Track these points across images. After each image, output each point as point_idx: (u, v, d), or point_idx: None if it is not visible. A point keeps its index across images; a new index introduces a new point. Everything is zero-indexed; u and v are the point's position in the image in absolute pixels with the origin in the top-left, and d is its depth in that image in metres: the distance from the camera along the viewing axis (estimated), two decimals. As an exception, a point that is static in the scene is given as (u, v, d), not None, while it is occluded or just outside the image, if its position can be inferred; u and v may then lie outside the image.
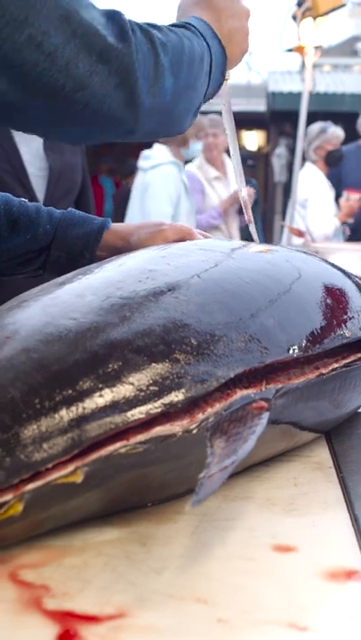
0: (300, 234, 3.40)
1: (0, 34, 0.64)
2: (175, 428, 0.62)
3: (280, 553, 0.60)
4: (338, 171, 4.12)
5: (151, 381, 0.61)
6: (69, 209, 1.08)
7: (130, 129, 0.74)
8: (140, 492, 0.66)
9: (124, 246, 1.01)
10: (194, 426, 0.62)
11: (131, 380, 0.60)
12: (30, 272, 1.07)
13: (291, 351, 0.72)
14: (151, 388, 0.61)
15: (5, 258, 1.03)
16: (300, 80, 3.94)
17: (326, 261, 0.96)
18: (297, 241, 3.50)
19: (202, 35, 0.84)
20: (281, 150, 8.14)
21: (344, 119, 4.82)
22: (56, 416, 0.57)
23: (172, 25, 0.82)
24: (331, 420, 0.86)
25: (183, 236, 1.02)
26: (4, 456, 0.54)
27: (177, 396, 0.62)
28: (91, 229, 1.04)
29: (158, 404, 0.61)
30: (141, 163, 3.20)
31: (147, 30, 0.75)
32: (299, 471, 0.78)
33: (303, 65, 3.50)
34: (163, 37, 0.76)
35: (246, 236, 1.18)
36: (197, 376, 0.63)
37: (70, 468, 0.57)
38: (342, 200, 4.12)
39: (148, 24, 0.77)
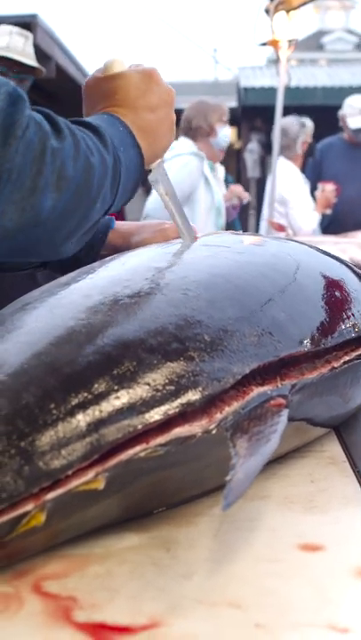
0: (280, 228, 3.41)
1: None
2: (194, 428, 0.60)
3: (308, 552, 0.59)
4: (319, 163, 4.13)
5: (167, 381, 0.59)
6: None
7: None
8: (159, 495, 0.64)
9: (125, 246, 0.99)
10: (213, 426, 0.61)
11: (146, 380, 0.59)
12: (34, 269, 1.04)
13: (303, 344, 0.71)
14: (168, 387, 0.59)
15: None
16: (275, 75, 3.95)
17: (325, 252, 0.95)
18: (277, 235, 3.51)
19: (114, 147, 0.72)
20: (253, 146, 8.15)
21: (316, 112, 4.83)
22: (73, 421, 0.55)
23: (81, 125, 0.69)
24: (342, 415, 0.85)
25: None
26: (23, 464, 0.52)
27: (194, 395, 0.60)
28: (96, 230, 1.02)
29: (176, 403, 0.59)
30: None
31: (41, 132, 0.64)
32: (313, 467, 0.77)
33: (278, 59, 3.49)
34: (57, 145, 0.65)
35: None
36: (213, 373, 0.62)
37: (90, 474, 0.55)
38: (318, 192, 4.13)
39: (52, 121, 0.65)
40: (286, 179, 3.92)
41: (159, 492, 0.64)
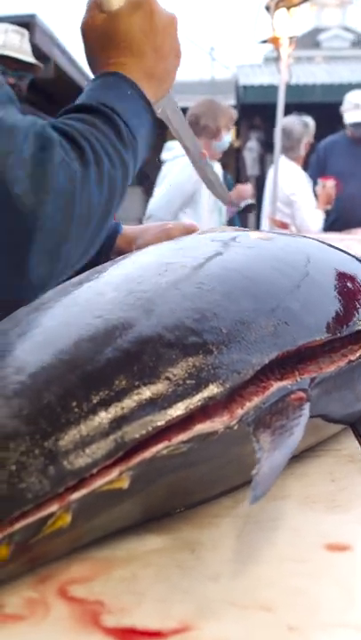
0: (283, 225, 3.40)
1: None
2: (216, 424, 0.59)
3: (334, 552, 0.58)
4: (323, 161, 4.13)
5: (187, 375, 0.59)
6: None
7: (17, 299, 0.66)
8: (179, 496, 0.63)
9: (130, 249, 0.99)
10: (235, 421, 0.60)
11: (167, 375, 0.58)
12: None
13: (320, 332, 0.71)
14: (188, 381, 0.58)
15: None
16: (273, 72, 3.93)
17: (334, 247, 0.95)
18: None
19: (129, 131, 0.71)
20: (252, 144, 8.15)
21: (316, 110, 4.83)
22: (96, 419, 0.54)
23: (95, 116, 0.69)
24: (358, 411, 0.84)
25: (191, 232, 1.00)
26: (47, 464, 0.51)
27: (216, 388, 0.59)
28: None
29: (198, 397, 0.58)
30: (164, 154, 3.13)
31: (69, 168, 0.65)
32: (331, 465, 0.76)
33: (278, 56, 3.48)
34: (84, 173, 0.66)
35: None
36: (233, 365, 0.61)
37: (114, 472, 0.54)
38: (318, 188, 4.13)
39: (75, 141, 0.66)
40: (291, 179, 3.92)
41: (179, 492, 0.63)
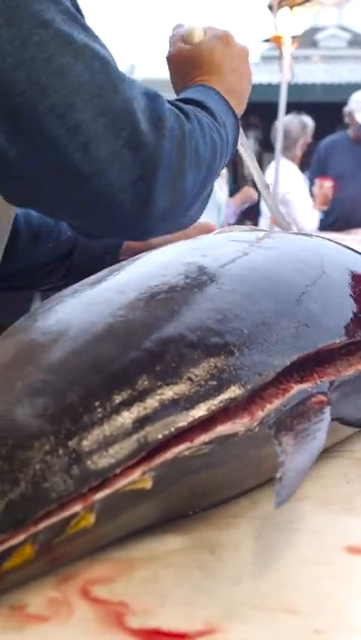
0: (284, 226, 3.39)
1: (21, 96, 0.59)
2: (237, 426, 0.59)
3: (356, 555, 0.58)
4: (323, 161, 4.12)
5: (209, 376, 0.58)
6: None
7: (140, 230, 0.70)
8: (199, 496, 0.63)
9: (144, 248, 0.97)
10: (255, 424, 0.60)
11: (189, 375, 0.58)
12: (55, 282, 1.04)
13: (339, 335, 0.71)
14: (210, 382, 0.58)
15: (31, 270, 1.00)
16: (271, 71, 3.93)
17: (346, 246, 0.95)
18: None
19: (220, 116, 0.78)
20: (250, 143, 8.14)
21: (315, 109, 4.83)
22: (119, 418, 0.54)
23: (196, 105, 0.76)
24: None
25: (205, 232, 0.99)
26: (71, 464, 0.51)
27: (238, 389, 0.59)
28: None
29: (220, 398, 0.58)
30: None
31: (178, 118, 0.69)
32: (347, 467, 0.76)
33: (281, 55, 3.48)
34: (190, 127, 0.71)
35: None
36: (254, 366, 0.61)
37: (137, 473, 0.53)
38: (316, 188, 4.12)
39: (179, 107, 0.71)
40: (287, 179, 3.92)
41: (199, 493, 0.62)
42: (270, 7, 3.33)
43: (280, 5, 3.24)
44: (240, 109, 0.86)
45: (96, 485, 0.52)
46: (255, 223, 4.30)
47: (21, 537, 0.48)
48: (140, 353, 0.57)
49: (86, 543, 0.54)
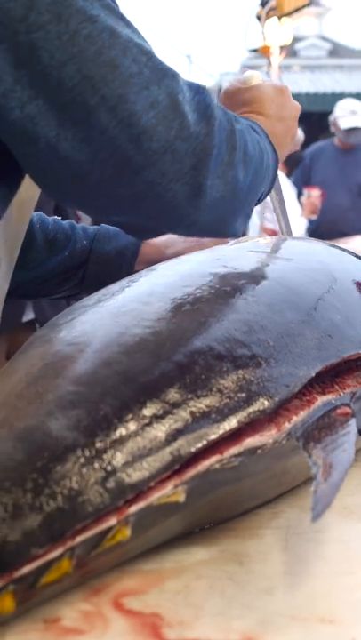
0: (273, 233, 3.42)
1: (72, 90, 0.59)
2: (265, 438, 0.59)
3: (383, 564, 0.58)
4: (308, 168, 4.14)
5: (238, 388, 0.59)
6: (101, 224, 1.04)
7: (191, 222, 0.68)
8: (224, 508, 0.63)
9: (159, 258, 0.97)
10: (283, 435, 0.60)
11: (218, 387, 0.58)
12: (68, 291, 1.03)
13: None
14: (239, 394, 0.58)
15: (45, 278, 0.99)
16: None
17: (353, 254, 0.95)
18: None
19: (264, 143, 0.78)
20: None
21: (301, 119, 4.85)
22: (151, 431, 0.54)
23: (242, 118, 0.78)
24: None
25: (220, 243, 0.98)
26: (106, 477, 0.51)
27: (266, 402, 0.59)
28: (128, 242, 1.01)
29: (249, 410, 0.58)
30: None
31: (226, 114, 0.70)
32: (361, 476, 0.76)
33: (269, 64, 3.51)
34: (238, 126, 0.71)
35: None
36: (281, 378, 0.61)
37: (170, 486, 0.54)
38: (304, 198, 4.15)
39: (224, 110, 0.71)
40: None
41: (224, 505, 0.63)
42: (258, 17, 3.36)
43: (268, 15, 3.27)
44: (279, 157, 0.85)
45: (131, 499, 0.51)
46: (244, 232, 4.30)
47: (59, 551, 0.48)
48: (171, 365, 0.58)
49: (118, 556, 0.54)
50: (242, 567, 0.57)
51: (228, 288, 0.67)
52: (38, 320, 2.10)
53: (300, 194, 4.10)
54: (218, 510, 0.62)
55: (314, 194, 4.14)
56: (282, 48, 3.42)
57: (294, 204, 4.00)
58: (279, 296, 0.68)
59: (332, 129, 4.16)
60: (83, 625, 0.50)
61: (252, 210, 0.78)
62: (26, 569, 0.47)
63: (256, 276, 0.71)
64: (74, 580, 0.52)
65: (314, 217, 4.10)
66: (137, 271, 0.92)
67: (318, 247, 0.90)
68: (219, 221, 0.72)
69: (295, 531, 0.63)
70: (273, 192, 0.93)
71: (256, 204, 0.80)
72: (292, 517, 0.66)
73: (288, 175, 4.09)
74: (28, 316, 2.11)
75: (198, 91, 0.67)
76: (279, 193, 0.96)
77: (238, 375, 0.59)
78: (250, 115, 0.84)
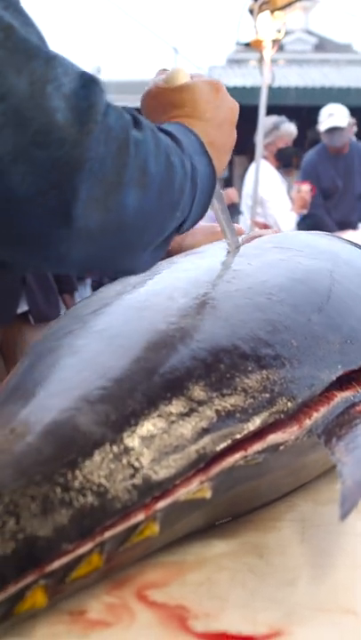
0: (265, 227, 3.43)
1: None
2: (286, 435, 0.60)
3: None
4: (315, 176, 4.18)
5: (262, 388, 0.59)
6: None
7: (60, 256, 0.53)
8: (242, 503, 0.64)
9: (177, 249, 0.92)
10: (304, 432, 0.61)
11: (243, 386, 0.58)
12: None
13: None
14: (263, 394, 0.59)
15: None
16: (245, 74, 3.94)
17: None
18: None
19: (189, 154, 0.65)
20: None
21: (290, 112, 4.86)
22: (178, 429, 0.54)
23: (161, 130, 0.63)
24: None
25: (210, 238, 0.94)
26: (133, 474, 0.51)
27: (289, 402, 0.60)
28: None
29: (272, 410, 0.59)
30: None
31: (121, 119, 0.55)
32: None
33: (261, 58, 3.50)
34: (140, 137, 0.57)
35: None
36: (304, 379, 0.61)
37: (195, 483, 0.54)
38: (294, 192, 4.16)
39: (131, 114, 0.58)
40: (263, 179, 3.94)
41: (243, 500, 0.63)
42: (251, 11, 3.36)
43: (261, 9, 3.26)
44: (219, 167, 0.72)
45: (158, 495, 0.52)
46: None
47: (88, 546, 0.49)
48: (196, 362, 0.58)
49: (143, 550, 0.55)
50: (262, 559, 0.58)
51: (253, 286, 0.68)
52: (32, 312, 2.10)
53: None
54: (237, 505, 0.63)
55: (304, 188, 4.15)
56: (274, 42, 3.42)
57: (286, 199, 4.02)
58: (304, 297, 0.68)
59: (323, 139, 4.22)
60: (108, 617, 0.51)
61: (165, 242, 0.63)
62: (56, 564, 0.47)
63: (280, 275, 0.71)
64: (100, 574, 0.52)
65: (304, 211, 4.12)
66: None
67: (339, 245, 0.88)
68: (103, 259, 0.58)
69: (311, 523, 0.64)
70: (214, 200, 0.78)
71: (179, 232, 0.65)
72: (306, 510, 0.67)
73: (278, 168, 4.09)
74: (22, 307, 2.11)
75: (87, 84, 0.52)
76: (221, 202, 0.82)
77: (262, 375, 0.59)
78: (182, 119, 0.70)
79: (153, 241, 0.61)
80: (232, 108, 0.75)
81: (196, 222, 0.68)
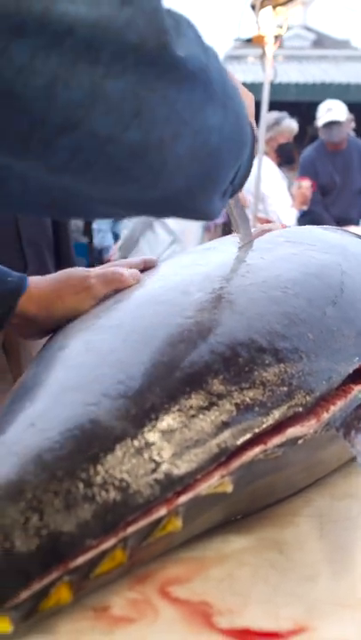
0: (267, 222, 3.42)
1: None
2: (305, 429, 0.60)
3: None
4: (314, 173, 4.18)
5: (280, 381, 0.59)
6: None
7: (147, 182, 0.48)
8: (259, 498, 0.63)
9: (43, 316, 0.78)
10: (323, 425, 0.61)
11: (261, 380, 0.58)
12: None
13: None
14: (281, 388, 0.58)
15: None
16: (244, 70, 3.94)
17: None
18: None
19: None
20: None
21: (290, 108, 4.86)
22: (198, 423, 0.54)
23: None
24: None
25: (115, 286, 0.76)
26: (155, 468, 0.51)
27: (307, 396, 0.59)
28: (3, 291, 0.77)
29: (290, 404, 0.58)
30: None
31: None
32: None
33: (263, 54, 3.50)
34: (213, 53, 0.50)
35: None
36: (321, 373, 0.61)
37: (216, 477, 0.54)
38: (294, 188, 4.16)
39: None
40: (264, 175, 3.94)
41: (259, 495, 0.63)
42: (253, 6, 3.35)
43: (263, 5, 3.26)
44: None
45: (180, 490, 0.52)
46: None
47: (112, 542, 0.48)
48: (214, 356, 0.58)
49: (165, 545, 0.55)
50: (282, 555, 0.58)
51: (267, 280, 0.67)
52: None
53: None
54: (254, 501, 0.63)
55: (304, 184, 4.15)
56: (276, 38, 3.42)
57: (286, 195, 4.01)
58: (318, 291, 0.68)
59: (321, 135, 4.21)
60: (132, 613, 0.51)
61: (226, 195, 0.60)
62: (80, 560, 0.47)
63: (294, 270, 0.71)
64: (123, 570, 0.52)
65: (305, 208, 4.12)
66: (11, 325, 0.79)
67: (348, 239, 0.88)
68: (187, 193, 0.52)
69: (328, 518, 0.64)
70: (233, 203, 0.77)
71: (232, 195, 0.62)
72: (323, 505, 0.67)
73: (279, 165, 4.09)
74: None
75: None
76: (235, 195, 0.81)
77: (280, 368, 0.59)
78: None
79: (226, 179, 0.58)
80: (248, 96, 0.69)
81: (240, 187, 0.64)
